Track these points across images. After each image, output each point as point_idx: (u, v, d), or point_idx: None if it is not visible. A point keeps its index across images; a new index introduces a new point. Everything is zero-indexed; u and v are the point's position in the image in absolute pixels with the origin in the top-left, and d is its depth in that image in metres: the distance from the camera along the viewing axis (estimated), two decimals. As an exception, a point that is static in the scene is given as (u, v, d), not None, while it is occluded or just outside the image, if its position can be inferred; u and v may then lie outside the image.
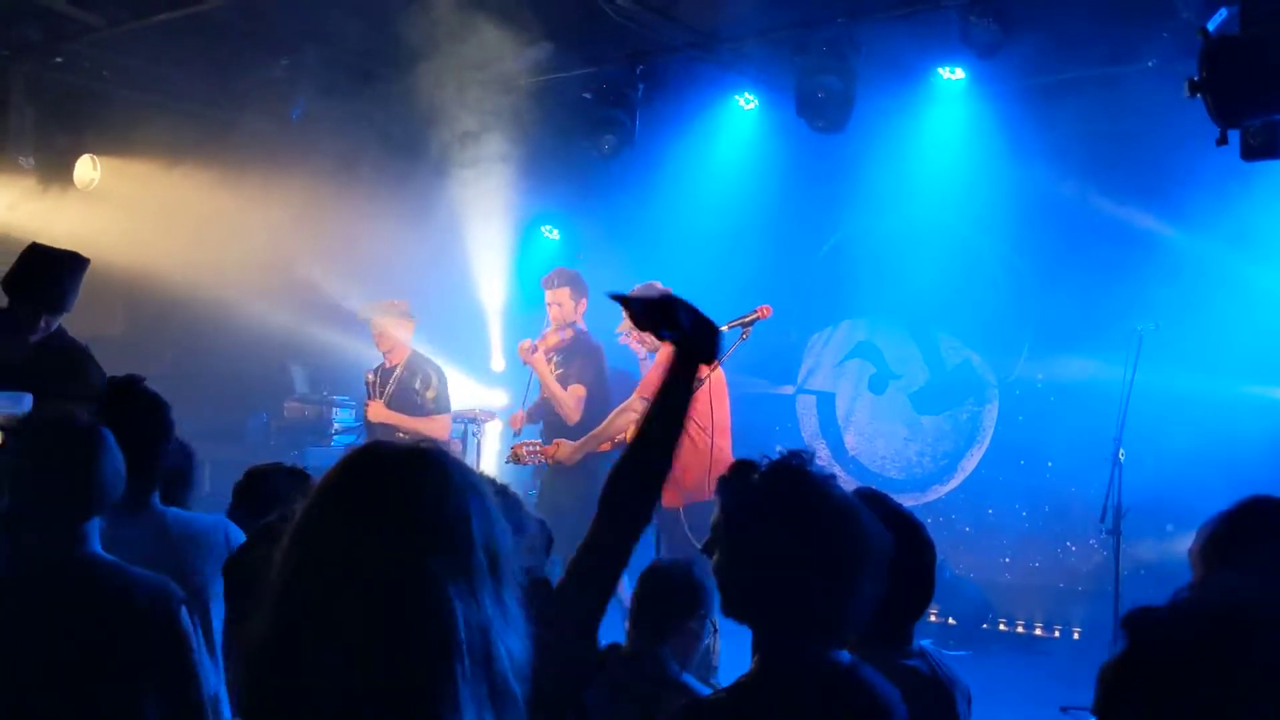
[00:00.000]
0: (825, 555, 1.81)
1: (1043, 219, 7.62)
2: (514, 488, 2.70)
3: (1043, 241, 7.71)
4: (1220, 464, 6.08)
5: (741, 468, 1.97)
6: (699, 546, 5.56)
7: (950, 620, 7.70)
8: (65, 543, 2.27)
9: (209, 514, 3.13)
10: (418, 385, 6.59)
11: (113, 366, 6.68)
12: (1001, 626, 7.74)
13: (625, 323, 5.86)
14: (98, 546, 2.35)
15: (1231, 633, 1.28)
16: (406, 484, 1.18)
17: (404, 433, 6.37)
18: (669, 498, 5.47)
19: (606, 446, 5.89)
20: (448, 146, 7.36)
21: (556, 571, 4.07)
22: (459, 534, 1.15)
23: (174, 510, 3.03)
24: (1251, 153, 3.13)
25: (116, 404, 2.93)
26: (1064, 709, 5.86)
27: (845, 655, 1.91)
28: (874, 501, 2.20)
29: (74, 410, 2.42)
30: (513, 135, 7.35)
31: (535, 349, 6.12)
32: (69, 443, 2.30)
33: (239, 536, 2.94)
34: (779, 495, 1.85)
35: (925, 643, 2.59)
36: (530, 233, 9.10)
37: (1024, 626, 7.69)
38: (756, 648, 1.89)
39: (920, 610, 2.40)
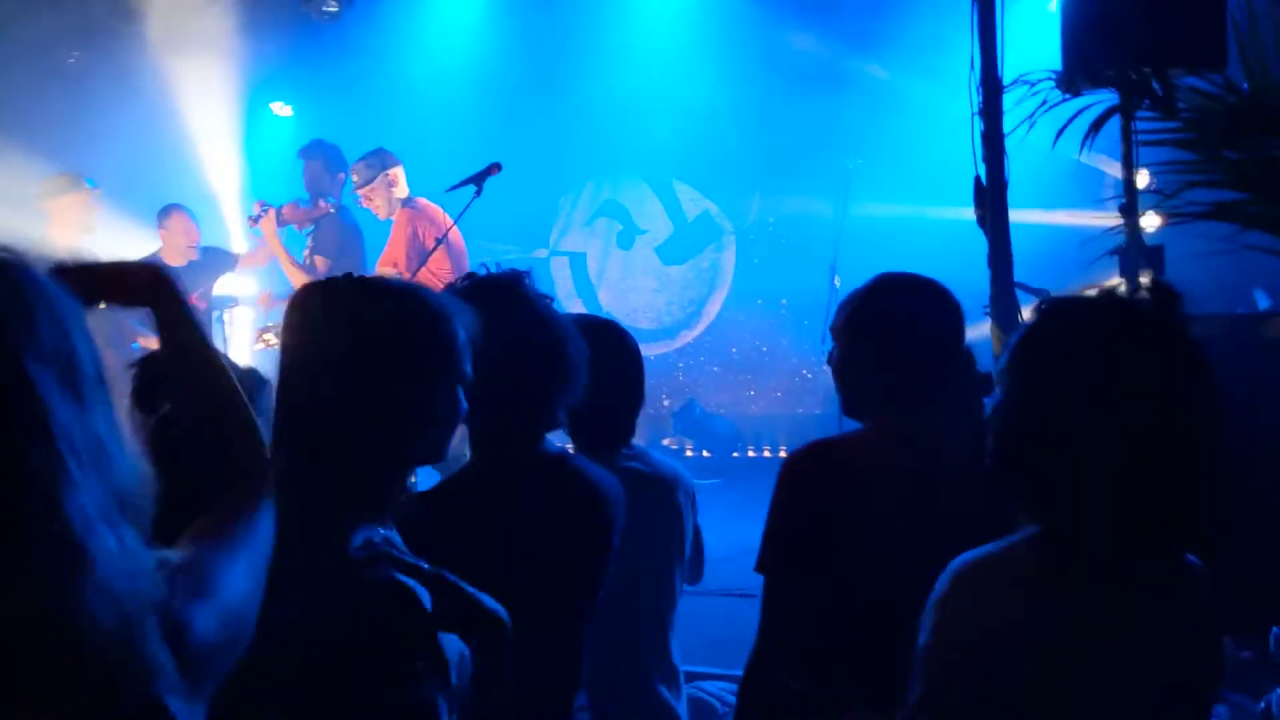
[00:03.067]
0: (523, 361, 1.96)
1: (764, 68, 7.98)
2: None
3: (764, 89, 8.08)
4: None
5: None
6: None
7: (705, 454, 8.26)
8: None
9: None
10: None
11: None
12: (750, 453, 8.37)
13: (358, 180, 5.81)
14: None
15: None
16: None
17: None
18: None
19: None
20: (152, 21, 6.92)
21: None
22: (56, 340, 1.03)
23: None
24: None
25: None
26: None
27: (554, 446, 2.08)
28: (582, 321, 2.40)
29: None
30: (222, 4, 7.00)
31: (262, 214, 5.97)
32: None
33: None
34: (486, 306, 1.99)
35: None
36: (259, 110, 8.73)
37: (770, 451, 8.34)
38: (472, 447, 2.04)
39: (631, 419, 2.57)
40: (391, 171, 5.74)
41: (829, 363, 2.21)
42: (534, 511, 1.96)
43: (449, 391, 1.65)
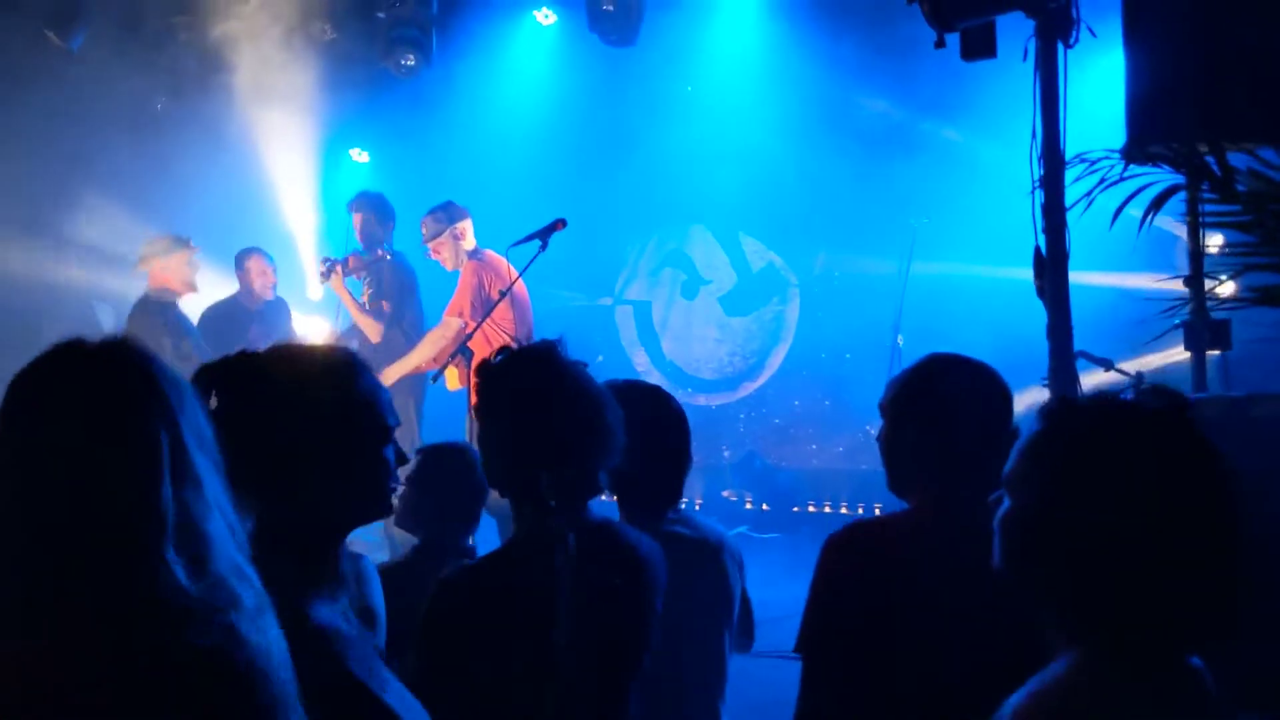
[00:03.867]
0: (560, 431, 2.01)
1: (830, 120, 8.01)
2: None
3: (831, 142, 8.10)
4: (987, 343, 6.65)
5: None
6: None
7: (764, 507, 8.23)
8: None
9: None
10: None
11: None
12: (811, 508, 8.31)
13: (427, 234, 5.96)
14: None
15: None
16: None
17: None
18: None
19: (424, 368, 6.03)
20: (239, 72, 7.21)
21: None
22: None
23: None
24: (970, 53, 3.47)
25: None
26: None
27: (597, 514, 2.11)
28: (626, 386, 2.43)
29: None
30: (307, 58, 7.26)
31: (330, 269, 6.15)
32: None
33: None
34: (520, 379, 2.05)
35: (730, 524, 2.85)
36: (338, 157, 9.00)
37: (830, 506, 8.27)
38: (514, 517, 2.08)
39: (676, 483, 2.59)
40: (459, 225, 5.89)
41: (877, 439, 2.23)
42: (576, 580, 1.98)
43: (371, 448, 1.72)
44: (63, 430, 1.16)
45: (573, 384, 2.04)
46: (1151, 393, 1.35)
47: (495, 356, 2.12)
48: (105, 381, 1.20)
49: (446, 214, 5.90)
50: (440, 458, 3.50)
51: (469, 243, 5.90)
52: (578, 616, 1.96)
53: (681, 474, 2.63)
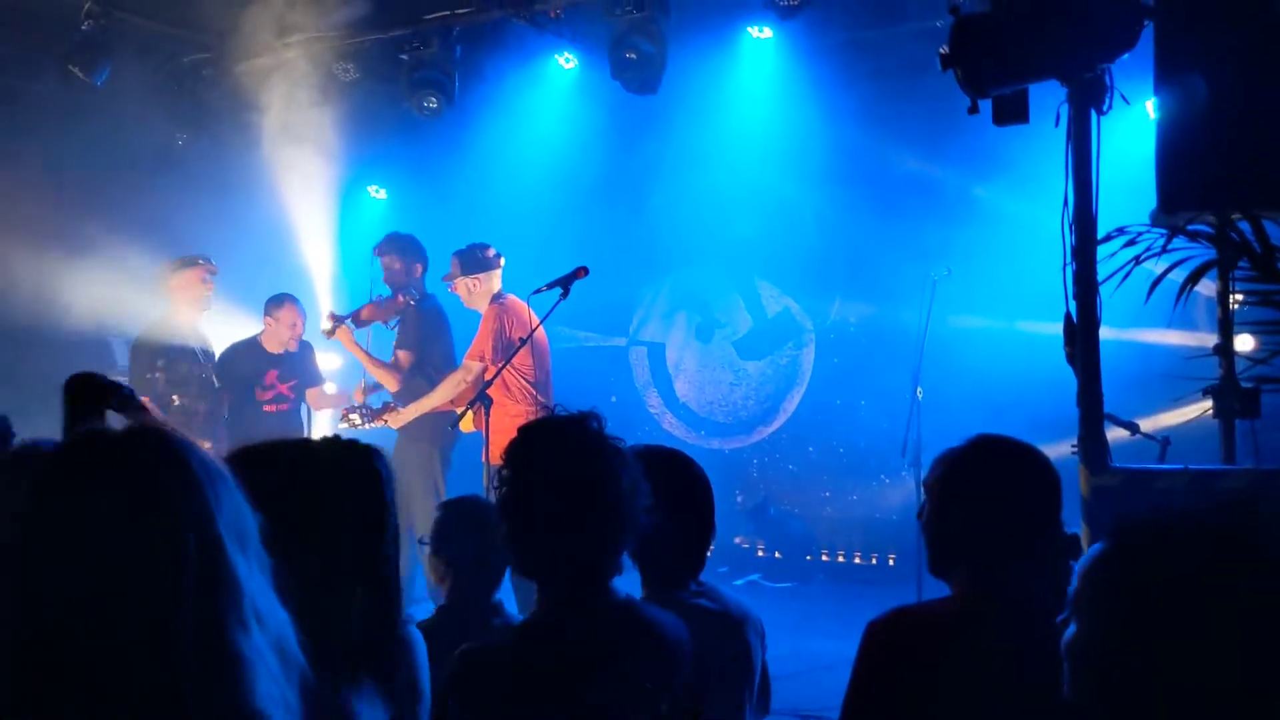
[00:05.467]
0: (587, 516, 1.97)
1: (849, 170, 8.02)
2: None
3: (849, 191, 8.12)
4: (1008, 398, 6.62)
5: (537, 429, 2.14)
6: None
7: (776, 554, 8.16)
8: None
9: None
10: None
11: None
12: (824, 557, 8.23)
13: (450, 272, 5.95)
14: None
15: None
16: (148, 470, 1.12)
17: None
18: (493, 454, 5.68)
19: (442, 409, 6.01)
20: (261, 111, 7.25)
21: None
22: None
23: None
24: (1003, 118, 3.45)
25: None
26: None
27: (621, 593, 2.06)
28: (650, 453, 2.39)
29: None
30: (331, 98, 7.30)
31: (337, 325, 6.13)
32: None
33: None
34: (552, 460, 2.01)
35: (743, 580, 2.80)
36: (356, 194, 9.02)
37: (844, 556, 8.20)
38: (540, 596, 2.04)
39: (700, 553, 2.55)
40: (489, 275, 5.90)
41: (918, 517, 2.19)
42: (598, 663, 1.95)
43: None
44: (75, 544, 1.06)
45: (605, 467, 2.00)
46: (1216, 510, 1.31)
47: (532, 422, 2.08)
48: (127, 482, 1.10)
49: (474, 258, 5.89)
50: (459, 512, 3.45)
51: (494, 284, 5.91)
52: (599, 698, 1.93)
53: (706, 545, 2.59)
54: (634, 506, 2.01)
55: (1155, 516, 1.36)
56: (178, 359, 6.21)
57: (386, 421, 6.02)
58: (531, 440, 2.04)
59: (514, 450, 2.03)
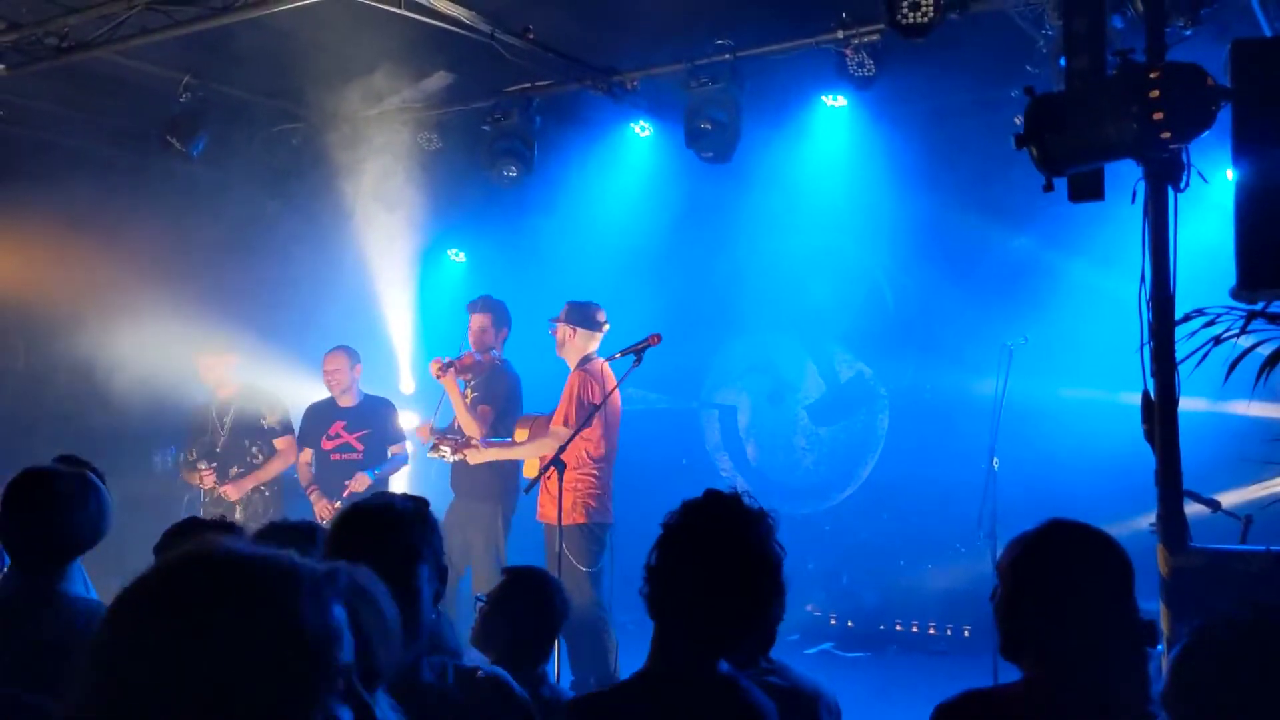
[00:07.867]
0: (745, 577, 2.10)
1: (925, 238, 8.02)
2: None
3: (924, 258, 8.11)
4: (1086, 467, 6.51)
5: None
6: (580, 566, 5.77)
7: (850, 624, 8.04)
8: None
9: None
10: (262, 409, 6.91)
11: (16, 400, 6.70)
12: (897, 627, 8.09)
13: (560, 315, 6.09)
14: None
15: None
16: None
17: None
18: (548, 513, 5.77)
19: (518, 455, 6.15)
20: (350, 178, 7.52)
21: (460, 624, 4.19)
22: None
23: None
24: (1078, 196, 3.45)
25: None
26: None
27: (725, 665, 2.12)
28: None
29: None
30: (415, 165, 7.55)
31: (447, 368, 6.26)
32: None
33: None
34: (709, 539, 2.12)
35: (812, 650, 2.81)
36: (437, 257, 9.25)
37: (918, 627, 8.05)
38: (654, 648, 2.11)
39: (772, 628, 2.56)
40: (588, 331, 6.03)
41: (990, 599, 2.19)
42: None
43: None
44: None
45: (755, 551, 2.10)
46: None
47: (688, 510, 2.17)
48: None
49: (583, 319, 6.05)
50: (522, 580, 3.49)
51: (589, 348, 6.03)
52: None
53: (777, 620, 2.60)
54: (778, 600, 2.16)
55: (1243, 611, 1.37)
56: (199, 433, 6.94)
57: (466, 456, 6.12)
58: (701, 516, 2.15)
59: (686, 518, 2.15)
